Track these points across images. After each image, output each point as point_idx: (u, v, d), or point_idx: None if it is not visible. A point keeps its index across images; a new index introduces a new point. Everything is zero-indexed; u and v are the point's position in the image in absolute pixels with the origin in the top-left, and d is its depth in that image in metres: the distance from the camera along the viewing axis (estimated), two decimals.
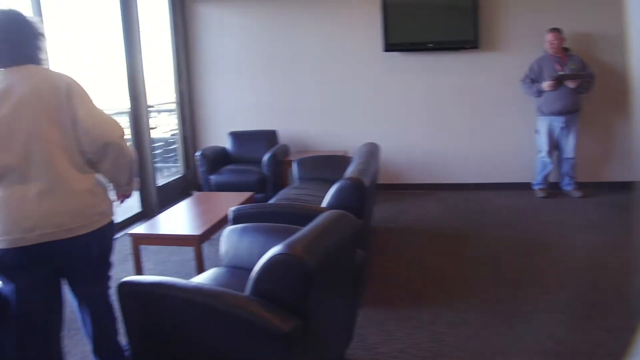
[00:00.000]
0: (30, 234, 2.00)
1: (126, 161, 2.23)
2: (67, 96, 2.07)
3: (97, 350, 2.39)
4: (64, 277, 2.23)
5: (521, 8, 5.77)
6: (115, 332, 2.40)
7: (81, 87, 2.14)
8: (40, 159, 2.02)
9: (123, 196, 2.44)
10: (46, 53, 2.21)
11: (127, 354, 2.48)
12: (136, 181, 2.44)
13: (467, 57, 5.95)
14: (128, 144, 2.28)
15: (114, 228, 2.31)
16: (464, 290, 3.57)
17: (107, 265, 2.33)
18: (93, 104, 2.16)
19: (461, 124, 6.13)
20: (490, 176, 6.15)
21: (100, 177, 2.25)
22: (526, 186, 5.93)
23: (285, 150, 6.08)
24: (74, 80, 2.14)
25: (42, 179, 2.02)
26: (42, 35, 2.18)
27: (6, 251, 2.01)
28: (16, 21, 2.11)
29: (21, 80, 2.06)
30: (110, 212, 2.25)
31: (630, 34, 1.02)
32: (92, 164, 2.17)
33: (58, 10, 4.55)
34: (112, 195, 2.37)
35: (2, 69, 2.09)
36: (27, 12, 3.97)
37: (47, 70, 2.18)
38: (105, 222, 2.19)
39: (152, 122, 5.88)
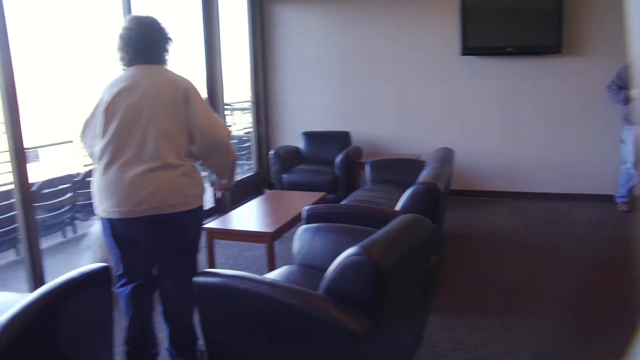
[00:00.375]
0: (139, 207, 2.28)
1: (230, 159, 2.54)
2: (184, 97, 2.34)
3: (173, 335, 2.55)
4: (158, 258, 2.48)
5: (609, 10, 5.45)
6: (193, 318, 2.54)
7: (197, 91, 2.42)
8: (152, 144, 2.29)
9: (224, 188, 2.75)
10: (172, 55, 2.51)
11: (199, 344, 2.58)
12: (235, 179, 2.72)
13: (549, 62, 5.73)
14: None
15: (204, 212, 2.55)
16: (537, 303, 3.44)
17: (196, 247, 2.54)
18: (206, 106, 2.44)
19: (540, 131, 5.91)
20: (568, 186, 5.90)
21: (197, 165, 2.50)
22: (608, 198, 5.63)
23: (357, 151, 6.07)
24: (192, 84, 2.42)
25: (150, 161, 2.28)
26: (171, 40, 2.48)
27: (118, 221, 2.32)
28: (153, 26, 2.43)
29: (149, 77, 2.38)
30: (202, 196, 2.48)
31: (631, 34, 0.96)
32: (194, 156, 2.43)
33: (146, 9, 4.76)
34: (210, 186, 2.66)
35: (136, 65, 2.40)
36: (119, 10, 4.22)
37: (171, 71, 2.46)
38: (198, 203, 2.44)
39: (227, 120, 6.03)
